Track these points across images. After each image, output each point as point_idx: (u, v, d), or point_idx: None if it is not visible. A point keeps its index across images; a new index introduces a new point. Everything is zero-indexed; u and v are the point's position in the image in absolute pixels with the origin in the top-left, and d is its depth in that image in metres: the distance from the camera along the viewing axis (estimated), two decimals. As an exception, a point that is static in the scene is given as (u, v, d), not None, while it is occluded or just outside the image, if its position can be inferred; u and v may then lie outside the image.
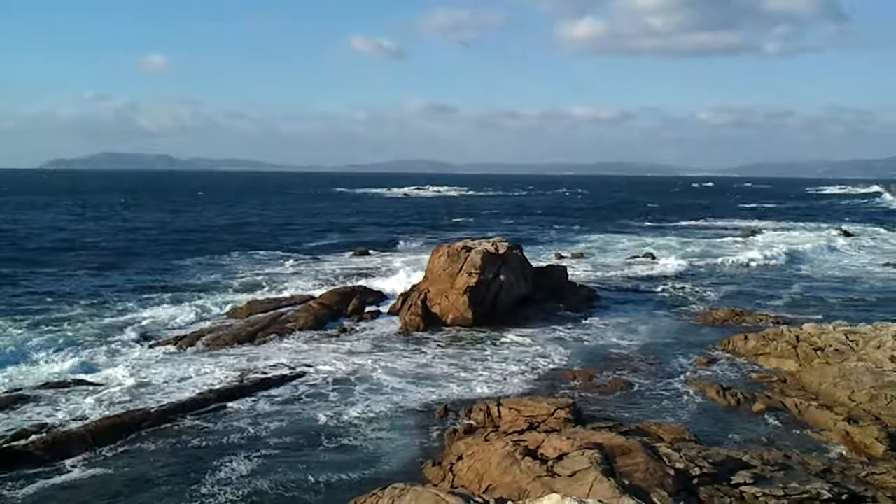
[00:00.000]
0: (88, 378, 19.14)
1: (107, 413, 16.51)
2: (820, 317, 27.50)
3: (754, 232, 64.52)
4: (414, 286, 28.26)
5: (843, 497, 11.31)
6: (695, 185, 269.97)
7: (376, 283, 31.92)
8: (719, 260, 44.23)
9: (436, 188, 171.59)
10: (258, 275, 36.11)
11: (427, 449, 14.98)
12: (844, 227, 69.96)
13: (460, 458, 13.22)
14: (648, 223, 78.22)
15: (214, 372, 19.98)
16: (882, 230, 69.58)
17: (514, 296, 27.54)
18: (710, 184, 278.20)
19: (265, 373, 19.85)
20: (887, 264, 44.12)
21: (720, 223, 78.42)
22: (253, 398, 17.94)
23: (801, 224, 77.85)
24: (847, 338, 21.31)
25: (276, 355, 21.91)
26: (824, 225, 75.00)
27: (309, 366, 20.65)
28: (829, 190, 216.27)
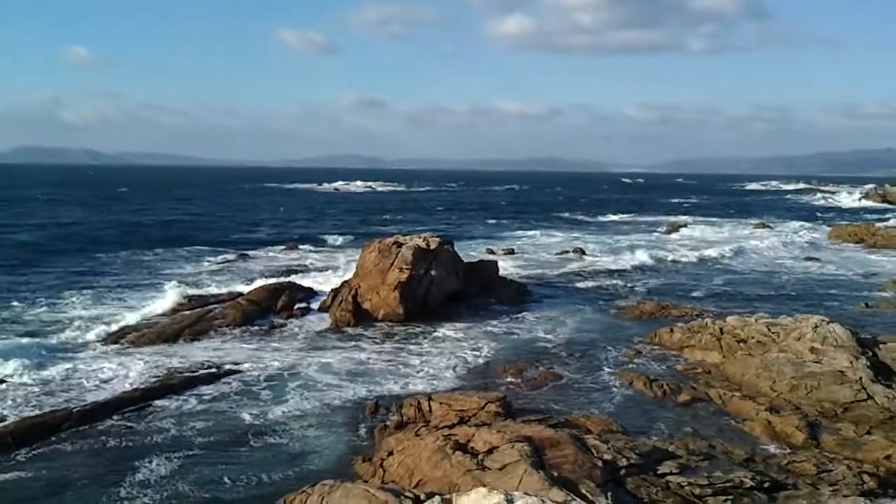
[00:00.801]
0: (6, 377, 18.50)
1: (26, 414, 16.01)
2: (743, 309, 28.20)
3: (680, 227, 65.89)
4: (344, 282, 28.10)
5: (765, 485, 11.60)
6: (626, 180, 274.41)
7: (306, 280, 31.60)
8: (647, 254, 45.04)
9: (367, 183, 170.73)
10: (185, 271, 35.51)
11: (357, 445, 14.89)
12: (766, 221, 71.97)
13: (391, 453, 13.19)
14: (579, 218, 79.29)
15: (140, 370, 19.50)
16: (800, 225, 71.68)
17: (446, 291, 27.60)
18: (641, 180, 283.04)
19: (193, 370, 19.48)
20: (806, 258, 45.48)
21: (648, 218, 79.95)
22: (180, 397, 17.57)
23: (725, 219, 79.83)
24: (769, 330, 21.86)
25: (203, 353, 21.51)
26: (747, 220, 77.05)
27: (238, 363, 20.33)
28: (752, 186, 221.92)
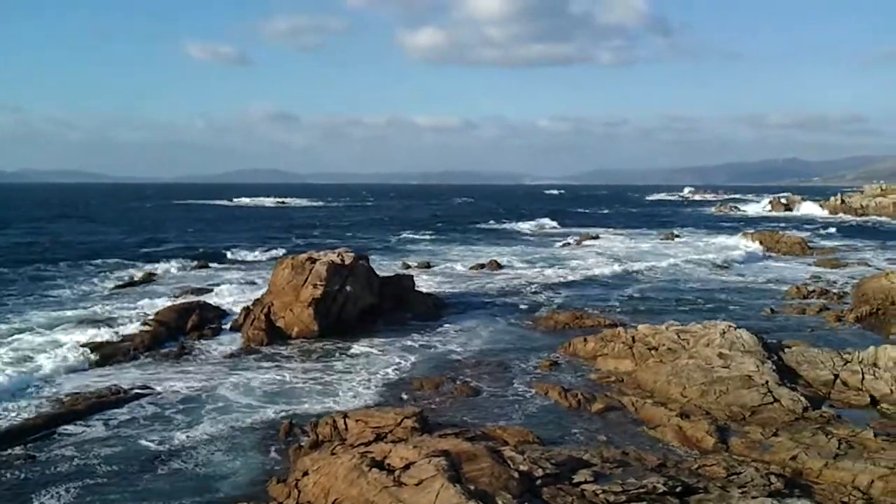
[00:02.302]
0: None
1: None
2: (654, 318, 28.81)
3: (594, 238, 67.04)
4: (257, 300, 27.64)
5: (677, 489, 11.79)
6: (556, 192, 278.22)
7: (216, 299, 30.96)
8: (562, 265, 45.69)
9: (280, 199, 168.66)
10: (88, 291, 34.37)
11: (272, 466, 14.57)
12: (676, 231, 73.80)
13: (306, 473, 12.95)
14: (495, 230, 79.94)
15: (43, 394, 18.80)
16: (708, 234, 73.75)
17: (361, 306, 27.41)
18: (556, 191, 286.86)
19: (100, 395, 18.82)
20: (714, 266, 46.79)
21: (565, 229, 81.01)
22: (86, 423, 16.93)
23: (637, 230, 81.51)
24: (679, 337, 22.36)
25: (111, 376, 20.84)
26: (657, 230, 78.87)
27: (146, 386, 19.70)
28: (662, 196, 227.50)
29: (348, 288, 26.75)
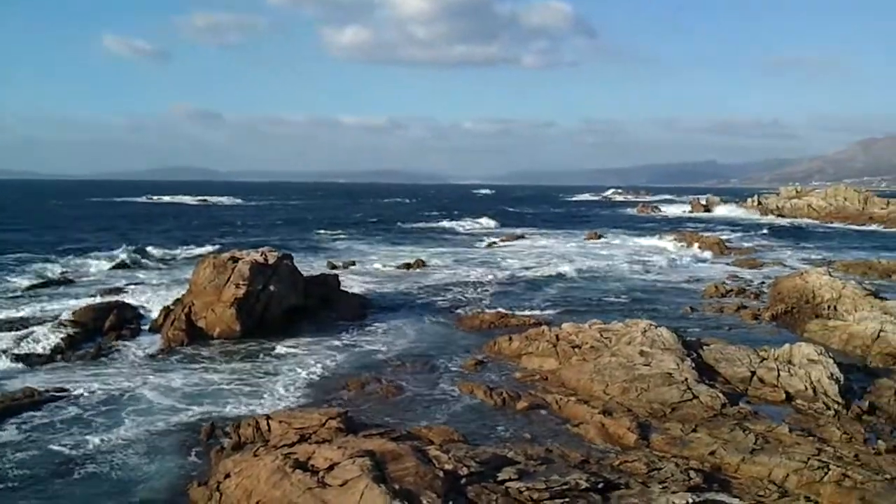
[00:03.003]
0: None
1: None
2: (578, 316, 29.19)
3: (520, 237, 67.63)
4: (177, 300, 27.08)
5: (599, 485, 11.94)
6: (486, 191, 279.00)
7: (135, 298, 30.19)
8: (489, 265, 45.96)
9: (202, 197, 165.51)
10: (1, 291, 33.18)
11: (193, 469, 14.25)
12: (599, 231, 74.89)
13: (228, 475, 12.73)
14: (421, 229, 79.91)
15: (-50, 401, 18.06)
16: (631, 234, 75.04)
17: (285, 306, 27.07)
18: (486, 191, 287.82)
19: (13, 397, 18.14)
20: (636, 265, 47.65)
21: (492, 229, 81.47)
22: (-4, 427, 16.37)
23: (561, 230, 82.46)
24: (601, 335, 22.67)
25: (25, 378, 20.16)
26: (581, 230, 79.91)
27: (62, 389, 19.06)
28: (586, 197, 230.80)
29: (272, 287, 26.39)
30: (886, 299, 30.45)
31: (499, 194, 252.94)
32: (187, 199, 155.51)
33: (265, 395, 19.03)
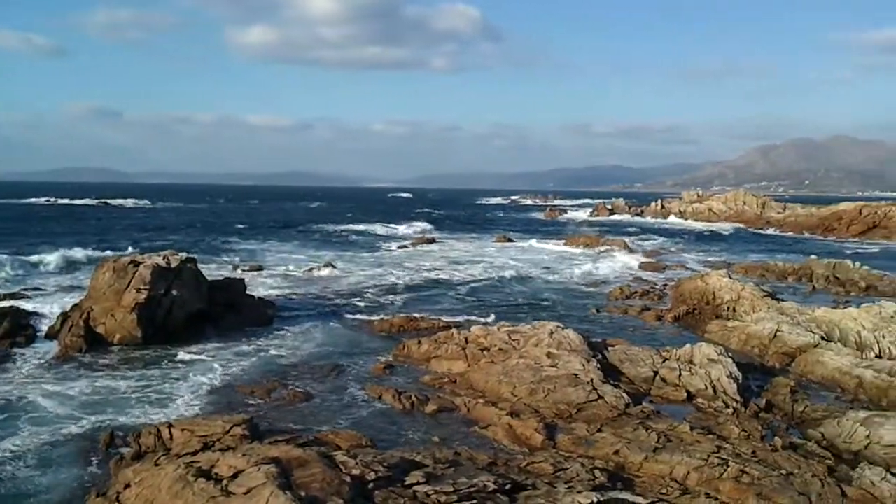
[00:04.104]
0: None
1: None
2: (487, 319, 29.40)
3: (430, 241, 67.77)
4: (75, 305, 26.12)
5: (507, 487, 12.00)
6: (405, 195, 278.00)
7: (31, 304, 29.05)
8: (399, 269, 45.89)
9: (104, 198, 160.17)
10: None
11: (91, 480, 13.75)
12: (508, 235, 75.64)
13: (128, 486, 12.33)
14: (330, 232, 79.27)
15: None
16: (539, 237, 76.04)
17: (189, 311, 26.40)
18: (405, 195, 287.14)
19: None
20: (544, 268, 48.32)
21: (400, 232, 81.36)
22: None
23: (470, 233, 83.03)
24: (510, 337, 22.86)
25: None
26: (490, 233, 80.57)
27: (-50, 399, 18.25)
28: (496, 200, 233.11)
29: (174, 292, 25.73)
30: (782, 300, 31.62)
31: (417, 198, 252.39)
32: (90, 201, 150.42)
33: (167, 403, 18.53)
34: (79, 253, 48.45)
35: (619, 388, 18.74)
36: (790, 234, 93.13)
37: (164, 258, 26.63)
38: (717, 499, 12.78)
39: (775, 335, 24.91)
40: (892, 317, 26.52)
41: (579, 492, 11.95)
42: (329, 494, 11.08)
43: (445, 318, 29.52)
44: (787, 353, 23.96)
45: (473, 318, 30.21)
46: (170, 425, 15.33)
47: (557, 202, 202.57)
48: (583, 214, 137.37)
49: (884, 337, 23.56)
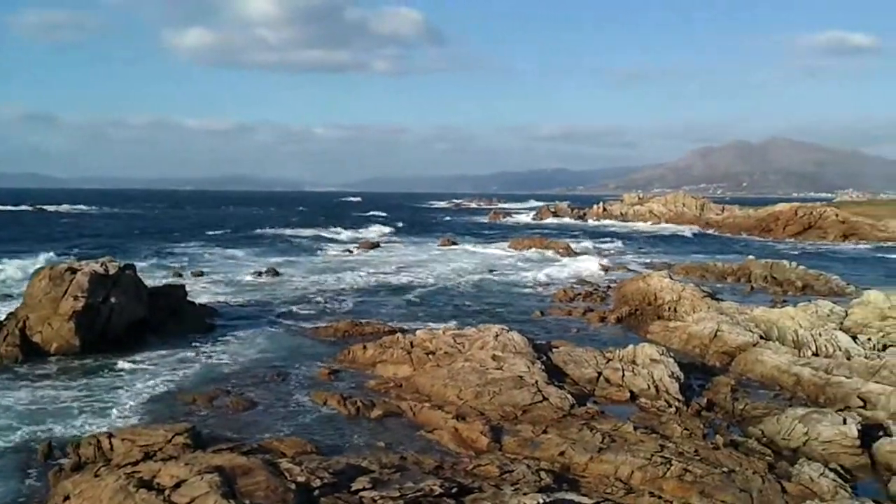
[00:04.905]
0: None
1: None
2: (434, 322, 29.42)
3: (374, 245, 67.58)
4: (10, 314, 25.41)
5: (453, 490, 12.00)
6: (355, 199, 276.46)
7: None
8: (343, 273, 45.65)
9: (38, 205, 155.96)
10: None
11: (28, 493, 13.42)
12: (453, 238, 75.79)
13: (67, 498, 12.05)
14: (274, 236, 78.54)
15: None
16: (484, 240, 76.39)
17: (129, 319, 25.89)
18: (354, 198, 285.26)
19: None
20: (489, 271, 48.53)
21: (344, 236, 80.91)
22: None
23: (415, 237, 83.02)
24: (455, 340, 22.88)
25: None
26: (435, 237, 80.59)
27: None
28: (441, 204, 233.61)
29: (113, 300, 25.21)
30: (722, 300, 32.22)
31: (366, 201, 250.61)
32: (22, 208, 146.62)
33: (107, 413, 18.13)
34: (12, 260, 47.18)
35: (563, 390, 18.87)
36: (728, 234, 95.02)
37: (101, 265, 26.09)
38: (660, 497, 12.95)
39: (715, 335, 25.34)
40: (828, 315, 27.20)
41: (525, 493, 11.99)
42: (274, 502, 10.98)
43: (391, 323, 29.42)
44: (727, 353, 24.38)
45: (419, 321, 30.19)
46: (110, 435, 15.02)
47: (501, 205, 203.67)
48: (527, 217, 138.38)
49: (820, 335, 24.08)
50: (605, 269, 50.28)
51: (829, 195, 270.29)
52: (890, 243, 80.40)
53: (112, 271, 25.89)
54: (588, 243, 73.46)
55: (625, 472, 13.88)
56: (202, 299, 32.79)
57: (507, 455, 14.95)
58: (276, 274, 44.13)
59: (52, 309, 24.12)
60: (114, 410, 18.33)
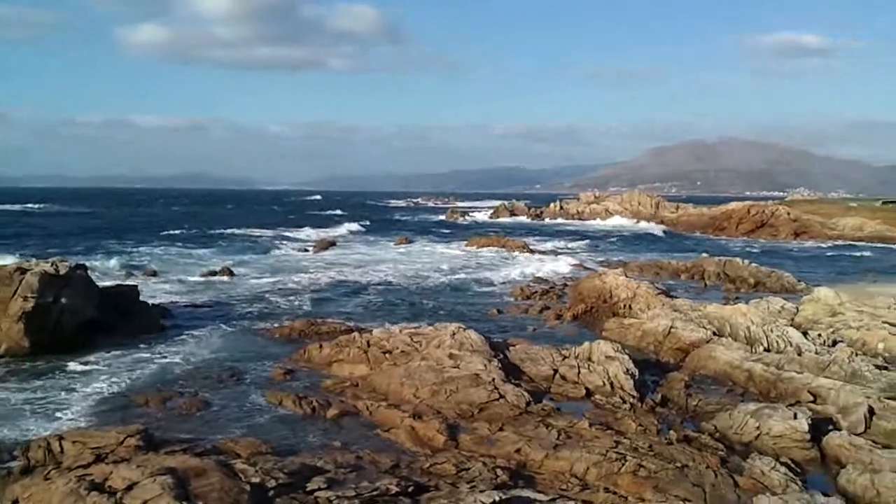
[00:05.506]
0: None
1: None
2: (391, 322, 29.30)
3: (333, 244, 67.29)
4: (-43, 315, 24.94)
5: (409, 489, 12.00)
6: (317, 197, 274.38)
7: None
8: (300, 273, 45.39)
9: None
10: None
11: (-25, 500, 13.17)
12: (409, 237, 75.73)
13: (16, 502, 11.85)
14: (228, 235, 77.71)
15: None
16: (441, 238, 76.48)
17: (80, 320, 25.46)
18: (314, 197, 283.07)
19: None
20: (446, 269, 48.61)
21: (301, 235, 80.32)
22: None
23: (372, 236, 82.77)
24: (412, 339, 22.84)
25: None
26: (392, 235, 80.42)
27: None
28: (398, 202, 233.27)
29: (64, 300, 24.78)
30: (676, 297, 32.61)
31: (324, 200, 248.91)
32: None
33: (58, 415, 17.84)
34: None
35: (520, 387, 18.94)
36: (683, 232, 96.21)
37: (52, 265, 25.62)
38: (615, 493, 13.05)
39: (670, 331, 25.63)
40: (779, 312, 27.69)
41: (482, 491, 12.03)
42: (228, 503, 10.88)
43: (347, 322, 29.30)
44: (681, 349, 24.66)
45: (376, 320, 30.11)
46: (60, 437, 14.76)
47: (458, 204, 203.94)
48: (483, 216, 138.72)
49: (772, 331, 24.47)
50: (563, 266, 50.56)
51: (781, 194, 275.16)
52: (840, 241, 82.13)
53: (63, 271, 25.44)
54: (545, 242, 73.90)
55: (580, 469, 13.98)
56: (155, 300, 32.34)
57: (464, 453, 14.96)
58: (232, 274, 43.68)
59: (1, 310, 23.64)
60: (64, 412, 18.04)
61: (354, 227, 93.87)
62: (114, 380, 20.95)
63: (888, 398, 17.84)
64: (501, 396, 18.30)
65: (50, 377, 21.24)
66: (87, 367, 22.26)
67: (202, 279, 41.92)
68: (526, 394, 18.43)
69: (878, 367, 20.61)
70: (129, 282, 35.48)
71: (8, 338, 23.20)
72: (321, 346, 23.60)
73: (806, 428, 15.97)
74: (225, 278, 42.33)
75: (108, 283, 31.55)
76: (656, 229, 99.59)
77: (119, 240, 69.00)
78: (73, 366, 22.34)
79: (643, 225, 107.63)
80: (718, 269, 44.52)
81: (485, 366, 19.90)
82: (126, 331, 26.63)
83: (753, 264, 44.60)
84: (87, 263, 31.11)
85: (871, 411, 17.18)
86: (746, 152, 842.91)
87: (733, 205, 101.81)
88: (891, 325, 25.16)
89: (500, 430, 16.19)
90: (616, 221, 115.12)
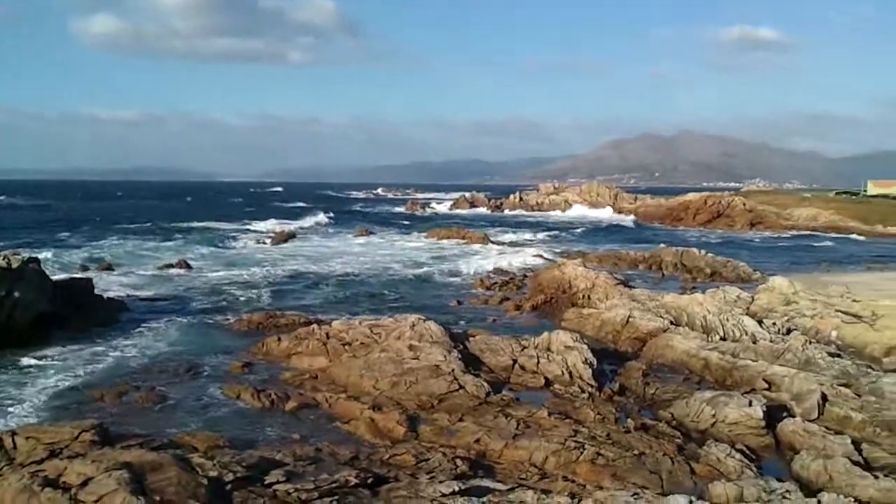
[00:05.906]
0: None
1: None
2: (351, 313, 29.26)
3: (292, 236, 66.84)
4: None
5: (369, 480, 11.98)
6: (278, 188, 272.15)
7: None
8: (258, 265, 45.05)
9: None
10: None
11: (-77, 497, 12.89)
12: (370, 228, 75.41)
13: (-34, 500, 11.61)
14: (185, 228, 76.75)
15: None
16: (400, 230, 76.34)
17: (33, 314, 25.01)
18: (277, 189, 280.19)
19: None
20: (407, 261, 48.60)
21: (262, 227, 79.53)
22: None
23: (331, 228, 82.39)
24: (371, 331, 22.79)
25: None
26: (352, 227, 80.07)
27: None
28: (358, 194, 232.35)
29: (16, 294, 24.31)
30: (634, 287, 32.90)
31: (286, 192, 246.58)
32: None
33: (11, 410, 17.53)
34: None
35: (479, 378, 18.99)
36: (642, 222, 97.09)
37: (4, 258, 25.12)
38: (574, 481, 13.14)
39: (627, 321, 25.85)
40: (735, 301, 28.05)
41: (441, 481, 12.04)
42: (185, 498, 10.79)
43: (307, 315, 29.13)
44: (638, 338, 24.89)
45: (335, 312, 29.98)
46: (13, 433, 14.46)
47: (419, 196, 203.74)
48: (444, 208, 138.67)
49: (727, 320, 24.79)
50: (523, 257, 50.71)
51: (738, 185, 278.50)
52: (794, 231, 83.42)
53: (15, 265, 24.96)
54: (505, 234, 74.10)
55: (539, 458, 14.06)
56: (111, 293, 31.94)
57: (424, 444, 14.97)
58: (189, 266, 43.23)
59: (-49, 304, 23.18)
60: (17, 408, 17.74)
61: (322, 218, 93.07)
62: (68, 374, 20.66)
63: (840, 385, 18.17)
64: (461, 387, 18.33)
65: (2, 372, 20.86)
66: (41, 362, 21.90)
67: (159, 272, 41.41)
68: (485, 384, 18.47)
69: (830, 354, 20.99)
70: (84, 275, 34.94)
71: (-42, 333, 22.74)
72: (280, 339, 23.44)
73: (760, 415, 16.21)
74: (182, 271, 41.86)
75: (61, 277, 31.05)
76: (618, 219, 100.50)
77: (74, 233, 67.88)
78: (26, 360, 21.96)
79: (604, 215, 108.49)
80: (676, 260, 45.01)
81: (444, 357, 19.91)
82: (81, 324, 26.24)
83: (710, 254, 45.16)
84: (41, 257, 30.52)
85: (824, 398, 17.47)
86: (704, 145, 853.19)
87: (691, 196, 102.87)
88: (843, 313, 25.61)
89: (460, 420, 16.22)
90: (577, 212, 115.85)
